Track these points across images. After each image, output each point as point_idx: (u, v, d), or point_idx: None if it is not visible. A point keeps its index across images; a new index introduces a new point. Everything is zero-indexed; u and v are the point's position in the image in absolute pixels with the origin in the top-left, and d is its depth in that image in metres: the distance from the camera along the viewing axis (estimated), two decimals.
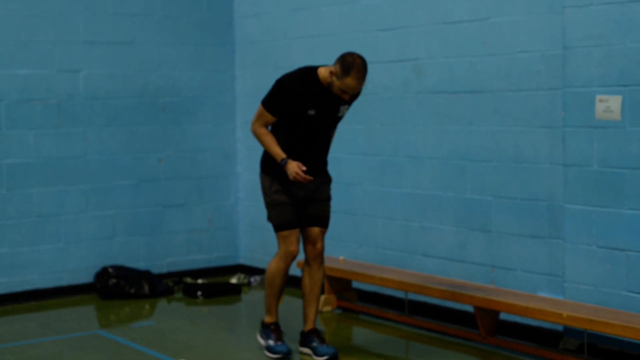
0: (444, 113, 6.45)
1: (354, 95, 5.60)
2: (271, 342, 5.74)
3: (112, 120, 7.67)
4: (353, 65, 5.31)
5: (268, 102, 5.52)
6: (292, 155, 5.52)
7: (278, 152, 5.49)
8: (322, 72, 5.47)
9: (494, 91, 6.11)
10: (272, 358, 5.69)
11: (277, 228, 5.67)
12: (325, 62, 7.37)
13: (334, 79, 5.36)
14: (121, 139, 7.72)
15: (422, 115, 6.60)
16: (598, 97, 5.41)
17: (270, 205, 5.66)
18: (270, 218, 5.70)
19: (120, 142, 7.72)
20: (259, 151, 8.12)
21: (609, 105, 5.37)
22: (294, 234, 5.66)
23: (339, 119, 5.64)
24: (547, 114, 5.80)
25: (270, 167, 5.64)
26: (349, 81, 5.32)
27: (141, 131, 7.83)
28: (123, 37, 7.71)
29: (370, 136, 7.01)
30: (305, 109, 5.48)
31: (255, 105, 8.07)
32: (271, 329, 5.79)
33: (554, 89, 5.74)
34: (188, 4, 8.03)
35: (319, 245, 5.69)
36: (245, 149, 8.26)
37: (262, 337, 5.84)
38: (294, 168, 5.40)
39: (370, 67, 6.96)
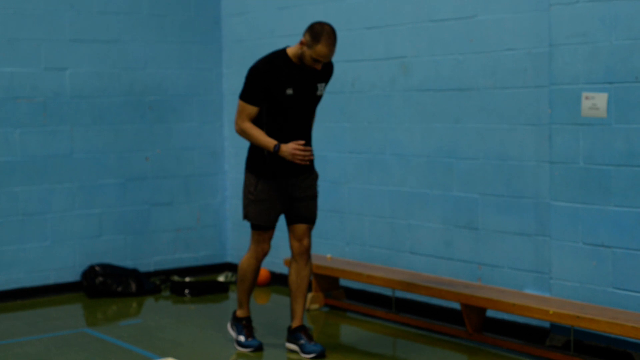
0: (431, 111, 6.46)
1: (328, 71, 5.62)
2: (242, 339, 5.83)
3: (98, 118, 7.66)
4: (322, 33, 5.31)
5: (246, 94, 5.48)
6: (273, 134, 5.51)
7: (268, 141, 5.45)
8: (291, 49, 5.48)
9: (480, 89, 6.13)
10: (243, 351, 5.79)
11: (255, 227, 5.68)
12: None
13: (305, 48, 5.37)
14: (108, 138, 7.71)
15: (409, 113, 6.62)
16: (584, 94, 5.43)
17: (252, 202, 5.64)
18: (248, 216, 5.69)
19: (106, 141, 7.70)
20: (246, 149, 8.12)
21: (594, 103, 5.39)
22: (268, 234, 5.70)
23: (319, 98, 5.62)
24: (533, 112, 5.82)
25: (256, 166, 5.62)
26: (320, 48, 5.32)
27: (128, 129, 7.81)
28: (109, 36, 7.69)
29: (357, 134, 7.02)
30: (283, 88, 5.46)
31: None
32: (243, 324, 5.86)
33: (540, 87, 5.76)
34: (174, 3, 8.01)
35: (305, 242, 5.69)
36: (232, 147, 8.25)
37: (232, 329, 5.93)
38: (291, 148, 5.39)
39: (356, 65, 7.01)
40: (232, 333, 5.92)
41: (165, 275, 7.95)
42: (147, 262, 7.94)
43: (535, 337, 5.82)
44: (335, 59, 7.17)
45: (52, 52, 7.43)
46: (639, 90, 5.19)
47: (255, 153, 5.61)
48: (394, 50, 6.70)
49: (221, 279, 7.90)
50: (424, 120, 6.51)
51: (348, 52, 7.05)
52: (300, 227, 5.69)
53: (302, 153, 5.40)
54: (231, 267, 8.29)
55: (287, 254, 7.50)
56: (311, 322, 6.53)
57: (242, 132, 5.54)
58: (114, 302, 7.28)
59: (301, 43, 5.37)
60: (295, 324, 5.74)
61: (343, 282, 7.07)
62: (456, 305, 6.18)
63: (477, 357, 5.70)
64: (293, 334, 5.74)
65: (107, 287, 7.39)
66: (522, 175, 5.91)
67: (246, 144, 8.06)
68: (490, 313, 5.99)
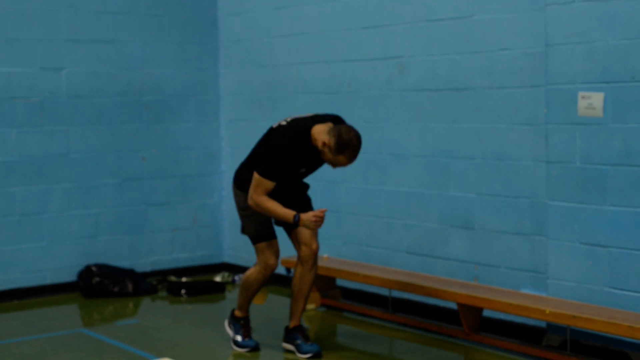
0: (427, 111, 6.46)
1: None
2: (239, 338, 5.82)
3: (95, 118, 7.65)
4: (349, 146, 5.24)
5: (267, 170, 5.35)
6: (274, 196, 5.44)
7: (287, 212, 5.37)
8: (315, 135, 5.35)
9: (476, 89, 6.13)
10: (239, 351, 5.79)
11: (255, 240, 5.65)
12: (308, 59, 7.39)
13: (326, 150, 5.29)
14: (104, 138, 7.70)
15: (406, 113, 6.62)
16: (580, 94, 5.43)
17: (246, 217, 5.63)
18: (245, 230, 5.68)
19: (103, 141, 7.70)
20: (243, 149, 8.14)
21: (591, 102, 5.39)
22: (272, 246, 5.65)
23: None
24: (530, 111, 5.82)
25: (245, 184, 5.59)
26: (342, 159, 5.29)
27: (125, 130, 7.81)
28: (106, 35, 7.69)
29: None
30: (298, 167, 5.47)
31: (240, 104, 8.13)
32: (241, 324, 5.85)
33: (537, 86, 5.76)
34: (172, 3, 8.01)
35: (314, 246, 5.67)
36: (229, 147, 8.25)
37: (230, 327, 5.91)
38: (311, 216, 5.34)
39: (353, 64, 7.01)
40: (229, 331, 5.91)
41: (162, 275, 7.95)
42: (144, 262, 7.93)
43: (531, 337, 5.82)
44: (332, 58, 7.20)
45: (49, 52, 7.42)
46: (635, 90, 5.19)
47: (246, 175, 5.57)
48: (391, 50, 6.70)
49: (218, 279, 7.89)
50: (420, 120, 6.51)
51: (345, 52, 7.05)
52: (306, 231, 5.65)
53: (321, 220, 5.37)
54: (228, 267, 8.29)
55: (284, 254, 7.50)
56: (308, 322, 6.52)
57: (258, 206, 5.41)
58: (110, 302, 7.27)
59: (323, 144, 5.28)
60: (293, 323, 5.74)
61: (340, 282, 7.06)
62: (453, 305, 6.17)
63: (474, 357, 5.70)
64: (290, 334, 5.74)
65: (103, 287, 7.39)
66: (519, 175, 5.91)
67: (243, 144, 8.11)
68: (487, 313, 5.99)
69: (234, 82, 8.17)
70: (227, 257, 8.36)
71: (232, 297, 7.47)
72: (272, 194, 5.43)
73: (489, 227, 6.10)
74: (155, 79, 7.95)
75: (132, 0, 7.81)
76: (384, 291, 6.71)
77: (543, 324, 5.76)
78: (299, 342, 5.67)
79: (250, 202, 5.44)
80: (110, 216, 7.75)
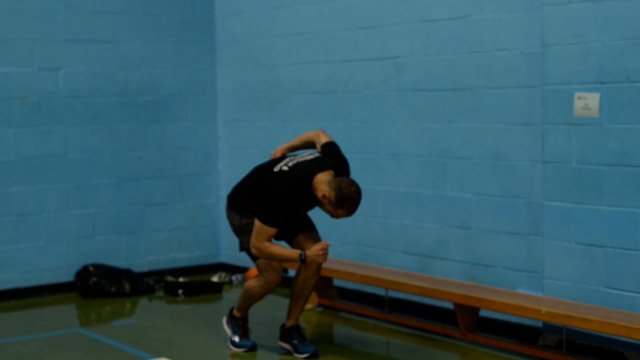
0: (424, 111, 6.47)
1: None
2: (236, 339, 5.82)
3: (92, 118, 7.66)
4: (348, 201, 5.22)
5: (269, 217, 5.32)
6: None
7: (292, 253, 5.37)
8: (316, 184, 5.31)
9: (473, 89, 6.14)
10: (236, 351, 5.80)
11: (256, 257, 5.56)
12: (305, 59, 7.40)
13: (326, 202, 5.27)
14: (102, 138, 7.71)
15: (402, 113, 6.62)
16: (576, 94, 5.44)
17: (244, 232, 5.57)
18: (244, 246, 5.61)
19: (101, 141, 7.70)
20: (240, 149, 8.16)
21: (587, 103, 5.40)
22: (274, 263, 5.55)
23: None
24: (526, 112, 5.83)
25: (241, 207, 5.58)
26: (341, 213, 5.27)
27: (122, 129, 7.81)
28: (103, 35, 7.69)
29: (351, 134, 7.03)
30: (297, 211, 5.48)
31: (237, 104, 8.14)
32: (239, 325, 5.85)
33: (533, 87, 5.77)
34: (169, 2, 8.01)
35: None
36: (227, 147, 8.26)
37: (228, 326, 5.90)
38: (316, 251, 5.32)
39: (350, 65, 7.01)
40: (227, 330, 5.91)
41: (159, 275, 7.95)
42: (141, 262, 7.94)
43: (528, 337, 5.83)
44: (328, 59, 7.20)
45: (47, 52, 7.43)
46: (631, 90, 5.20)
47: (241, 199, 5.58)
48: (388, 50, 6.71)
49: (215, 279, 7.90)
50: (417, 120, 6.52)
51: (342, 52, 7.06)
52: (311, 235, 5.66)
53: (326, 252, 5.35)
54: (225, 268, 8.29)
55: None
56: (305, 322, 6.53)
57: (261, 253, 5.40)
58: (107, 302, 7.28)
59: (323, 196, 5.26)
60: (290, 323, 5.75)
61: (337, 282, 7.07)
62: (449, 305, 6.18)
63: (470, 356, 5.71)
64: (286, 334, 5.74)
65: (100, 287, 7.39)
66: (515, 175, 5.91)
67: (240, 144, 8.12)
68: (483, 313, 6.00)
69: (232, 82, 8.18)
70: (225, 257, 8.37)
71: (230, 297, 7.48)
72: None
73: (485, 227, 6.11)
74: (153, 78, 7.96)
75: (130, 0, 7.81)
76: (380, 291, 6.72)
77: (539, 324, 5.77)
78: (296, 342, 5.67)
79: (253, 250, 5.42)
80: (108, 216, 7.76)
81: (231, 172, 8.18)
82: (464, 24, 6.16)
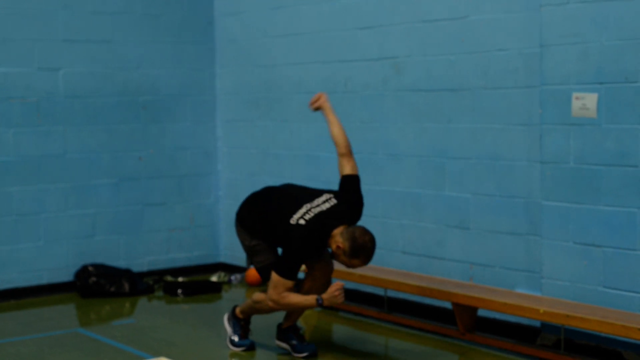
0: (423, 111, 6.48)
1: None
2: (235, 338, 5.83)
3: (92, 118, 7.66)
4: (363, 251, 5.21)
5: (288, 273, 5.31)
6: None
7: (309, 300, 5.37)
8: (333, 237, 5.28)
9: (472, 89, 6.15)
10: (235, 350, 5.81)
11: (283, 274, 5.35)
12: (304, 59, 7.40)
13: (340, 253, 5.24)
14: (101, 138, 7.71)
15: (401, 113, 6.63)
16: (574, 94, 5.45)
17: (255, 252, 5.58)
18: (257, 266, 5.60)
19: (100, 141, 7.71)
20: (239, 149, 8.17)
21: (585, 103, 5.41)
22: (288, 284, 5.40)
23: None
24: (525, 112, 5.84)
25: (248, 227, 5.59)
26: (356, 262, 5.25)
27: (121, 130, 7.82)
28: (103, 36, 7.70)
29: (350, 134, 6.96)
30: (313, 258, 5.49)
31: (236, 104, 8.14)
32: (241, 325, 5.86)
33: (531, 87, 5.78)
34: (168, 3, 8.02)
35: (332, 265, 5.66)
36: (226, 147, 8.27)
37: (229, 324, 5.90)
38: (331, 293, 5.30)
39: (349, 65, 7.02)
40: (228, 328, 5.91)
41: (158, 275, 7.96)
42: (141, 262, 7.95)
43: (526, 336, 5.84)
44: (327, 59, 7.21)
45: (46, 52, 7.44)
46: (629, 90, 5.21)
47: (252, 218, 5.58)
48: (387, 51, 6.72)
49: (214, 278, 7.91)
50: (416, 120, 6.53)
51: (341, 52, 7.07)
52: (325, 258, 5.60)
53: (342, 292, 5.33)
54: (224, 267, 8.30)
55: None
56: (303, 322, 6.54)
57: (279, 304, 5.41)
58: (107, 302, 7.29)
59: (338, 247, 5.23)
60: (287, 324, 5.75)
61: (335, 281, 7.06)
62: (448, 305, 6.19)
63: (469, 356, 5.72)
64: (284, 334, 5.75)
65: (100, 287, 7.40)
66: (514, 175, 5.92)
67: (240, 144, 8.13)
68: (481, 312, 6.01)
69: (231, 82, 8.19)
70: (224, 257, 8.38)
71: (229, 296, 7.49)
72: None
73: (484, 226, 6.12)
74: (152, 79, 7.97)
75: (128, 0, 7.82)
76: (379, 291, 6.73)
77: (537, 324, 5.78)
78: (294, 342, 5.68)
79: (270, 304, 5.43)
80: (107, 216, 7.77)
81: (230, 172, 8.19)
82: (463, 24, 6.17)
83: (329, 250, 5.45)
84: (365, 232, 5.27)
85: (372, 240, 5.26)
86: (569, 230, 5.52)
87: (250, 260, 5.68)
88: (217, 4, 8.25)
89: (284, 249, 5.39)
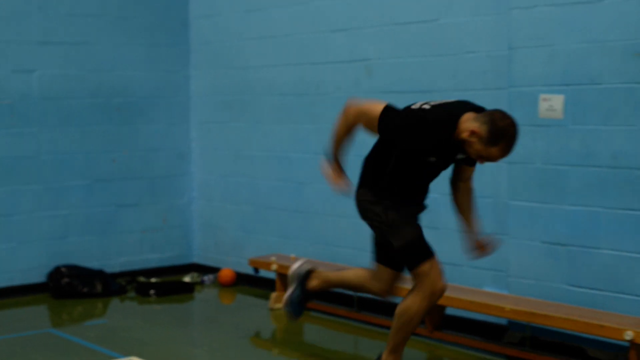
0: None
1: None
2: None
3: (65, 120, 7.67)
4: (505, 136, 4.34)
5: (392, 123, 4.53)
6: (395, 182, 4.71)
7: (336, 147, 4.75)
8: (463, 124, 4.42)
9: (441, 91, 6.21)
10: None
11: (416, 259, 4.63)
12: (277, 62, 7.45)
13: (475, 140, 4.36)
14: (75, 139, 7.72)
15: None
16: (541, 96, 5.53)
17: (390, 226, 4.70)
18: (396, 244, 4.66)
19: (73, 142, 7.72)
20: (212, 151, 8.20)
21: (551, 104, 5.49)
22: (437, 261, 4.64)
23: (455, 161, 4.79)
24: None
25: (365, 179, 4.84)
26: (494, 152, 4.37)
27: (95, 131, 7.84)
28: (77, 38, 7.71)
29: (321, 135, 7.07)
30: (429, 155, 4.58)
31: (210, 105, 8.17)
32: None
33: (500, 89, 5.86)
34: (142, 5, 8.04)
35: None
36: (199, 148, 8.30)
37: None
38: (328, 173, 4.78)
39: (321, 67, 7.08)
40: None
41: (131, 276, 7.97)
42: (113, 263, 7.96)
43: (493, 334, 5.90)
44: (300, 61, 7.26)
45: (20, 54, 7.44)
46: (594, 92, 5.30)
47: (370, 169, 4.87)
48: (358, 53, 6.78)
49: (187, 279, 7.93)
50: None
51: (313, 55, 7.13)
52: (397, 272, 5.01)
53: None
54: (197, 268, 8.32)
55: (252, 253, 7.57)
56: (274, 321, 6.58)
57: (347, 112, 4.72)
58: (79, 303, 7.29)
59: (472, 132, 4.36)
60: (319, 287, 5.33)
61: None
62: None
63: (437, 354, 5.78)
64: (313, 293, 5.29)
65: (72, 288, 7.41)
66: (482, 175, 5.96)
67: (212, 146, 8.16)
68: (449, 311, 6.07)
69: (205, 84, 8.23)
70: (197, 258, 8.40)
71: (201, 297, 7.51)
72: (396, 178, 4.68)
73: (452, 226, 6.17)
74: (126, 80, 7.99)
75: (103, 2, 7.84)
76: (349, 290, 6.76)
77: (504, 322, 5.85)
78: (299, 295, 5.26)
79: (349, 108, 4.67)
80: (80, 217, 7.77)
81: (203, 174, 8.23)
82: (433, 27, 6.25)
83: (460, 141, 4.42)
84: (507, 115, 4.41)
85: (514, 125, 4.37)
86: (536, 229, 5.59)
87: (388, 243, 4.80)
88: (191, 6, 8.29)
89: (401, 121, 4.48)
